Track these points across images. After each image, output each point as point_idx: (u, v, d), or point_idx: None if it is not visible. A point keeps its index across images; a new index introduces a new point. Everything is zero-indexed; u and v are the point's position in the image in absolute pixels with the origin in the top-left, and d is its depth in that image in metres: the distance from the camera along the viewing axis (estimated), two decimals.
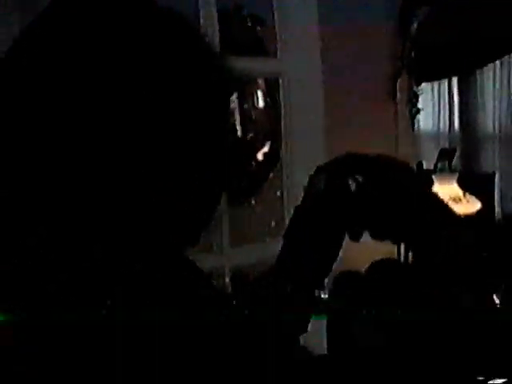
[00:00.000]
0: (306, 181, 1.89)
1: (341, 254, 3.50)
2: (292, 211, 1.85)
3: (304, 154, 1.84)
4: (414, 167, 4.74)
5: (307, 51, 1.87)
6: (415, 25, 4.43)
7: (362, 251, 3.92)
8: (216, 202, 1.00)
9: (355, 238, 1.23)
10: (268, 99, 3.15)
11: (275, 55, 2.05)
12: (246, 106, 3.15)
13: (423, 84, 4.73)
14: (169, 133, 0.90)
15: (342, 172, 1.16)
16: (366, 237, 4.02)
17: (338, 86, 3.68)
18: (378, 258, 3.72)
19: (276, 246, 1.89)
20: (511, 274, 4.50)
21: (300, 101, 1.81)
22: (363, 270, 3.61)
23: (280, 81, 1.79)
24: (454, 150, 6.63)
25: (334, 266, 2.80)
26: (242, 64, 1.89)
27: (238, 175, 3.01)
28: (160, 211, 0.93)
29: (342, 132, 3.72)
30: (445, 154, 6.11)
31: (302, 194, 1.80)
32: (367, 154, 1.19)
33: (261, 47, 3.19)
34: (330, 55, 3.09)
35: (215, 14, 1.78)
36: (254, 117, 3.19)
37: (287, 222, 1.85)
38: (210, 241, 1.62)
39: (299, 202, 1.83)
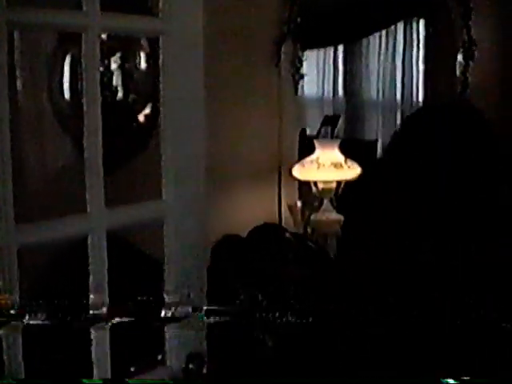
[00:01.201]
0: (183, 145, 1.87)
1: (224, 219, 3.48)
2: (172, 175, 1.84)
3: (184, 117, 1.82)
4: (298, 133, 4.77)
5: (190, 11, 1.84)
6: None
7: (244, 216, 3.94)
8: None
9: None
10: (151, 60, 3.10)
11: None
12: (128, 66, 3.10)
13: (308, 50, 4.74)
14: None
15: None
16: (247, 202, 4.00)
17: (222, 48, 3.66)
18: (260, 222, 3.75)
19: (152, 208, 1.87)
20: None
21: (181, 62, 1.78)
22: (245, 234, 3.64)
23: (160, 40, 1.76)
24: (338, 117, 6.71)
25: (215, 231, 2.80)
26: (124, 23, 1.85)
27: (119, 137, 2.96)
28: None
29: (225, 95, 3.70)
30: (328, 121, 6.18)
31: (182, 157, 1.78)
32: None
33: (145, 6, 3.14)
34: (215, 17, 3.07)
35: None
36: (136, 78, 3.13)
37: (166, 185, 1.84)
38: (85, 202, 1.59)
39: (177, 167, 1.81)
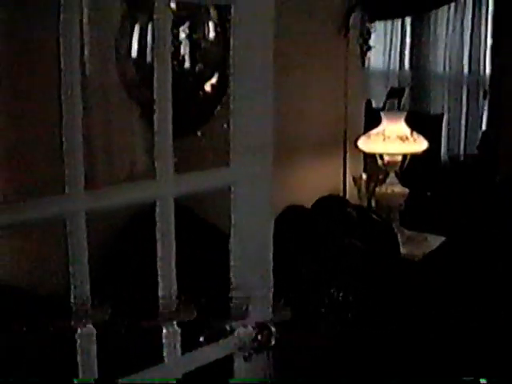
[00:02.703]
0: (252, 114, 1.88)
1: (289, 189, 3.50)
2: (238, 145, 1.85)
3: (252, 88, 1.81)
4: (363, 105, 4.74)
5: None
6: None
7: (309, 187, 3.94)
8: None
9: None
10: (219, 30, 3.11)
11: None
12: (196, 36, 3.11)
13: (376, 21, 4.69)
14: None
15: None
16: (312, 173, 4.01)
17: (291, 19, 3.64)
18: (324, 194, 3.75)
19: (219, 176, 1.88)
20: (454, 212, 4.59)
21: (250, 33, 1.77)
22: (309, 204, 3.63)
23: (232, 10, 1.75)
24: (403, 89, 6.65)
25: (279, 202, 2.81)
26: None
27: (185, 106, 2.97)
28: None
29: (293, 66, 3.69)
30: (394, 93, 6.13)
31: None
32: None
33: None
34: None
35: None
36: (203, 47, 3.14)
37: (232, 154, 1.84)
38: (154, 169, 1.60)
39: (245, 136, 1.81)
